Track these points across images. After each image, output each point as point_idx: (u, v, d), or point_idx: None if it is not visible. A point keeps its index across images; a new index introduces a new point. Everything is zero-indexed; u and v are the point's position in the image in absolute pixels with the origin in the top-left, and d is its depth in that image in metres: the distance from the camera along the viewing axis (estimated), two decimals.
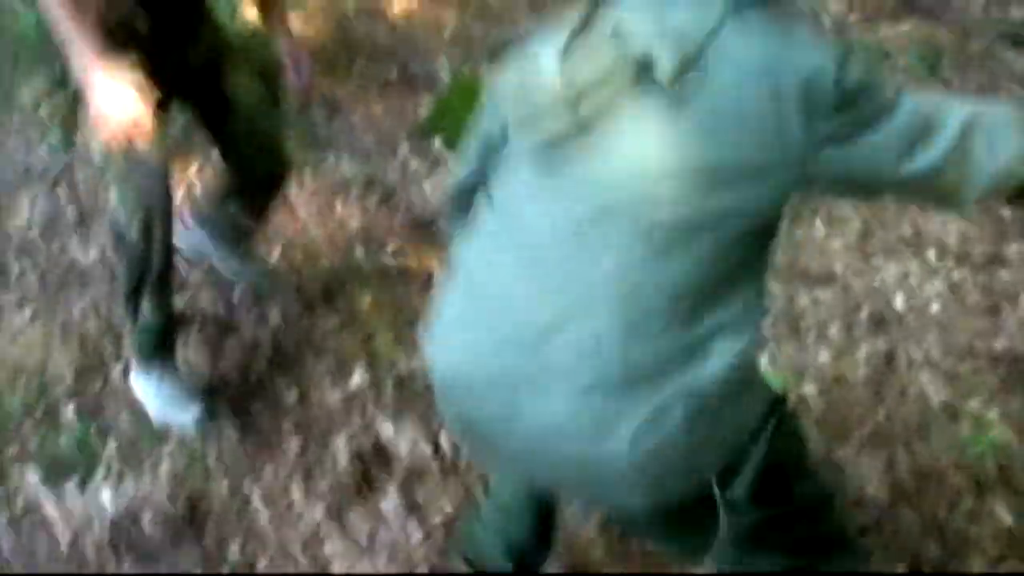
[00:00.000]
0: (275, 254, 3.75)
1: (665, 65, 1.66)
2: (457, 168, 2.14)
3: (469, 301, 1.85)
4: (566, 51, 1.74)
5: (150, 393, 3.12)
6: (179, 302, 3.41)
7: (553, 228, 1.76)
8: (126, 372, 3.25)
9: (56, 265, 3.75)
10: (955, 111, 1.72)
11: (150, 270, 2.95)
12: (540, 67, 1.76)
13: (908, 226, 3.70)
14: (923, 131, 1.68)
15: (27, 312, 3.55)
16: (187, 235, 3.48)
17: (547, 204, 1.77)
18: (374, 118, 4.71)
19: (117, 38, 2.65)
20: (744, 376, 1.77)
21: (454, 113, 4.54)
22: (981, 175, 1.71)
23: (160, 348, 3.11)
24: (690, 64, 1.65)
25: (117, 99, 2.53)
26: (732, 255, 1.71)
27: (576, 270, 1.73)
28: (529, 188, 1.81)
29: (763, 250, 1.78)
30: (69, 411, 3.16)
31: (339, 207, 4.07)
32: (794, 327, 3.32)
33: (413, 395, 3.16)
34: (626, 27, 1.71)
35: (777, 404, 1.89)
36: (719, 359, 1.70)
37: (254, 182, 3.24)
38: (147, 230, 2.87)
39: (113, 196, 2.89)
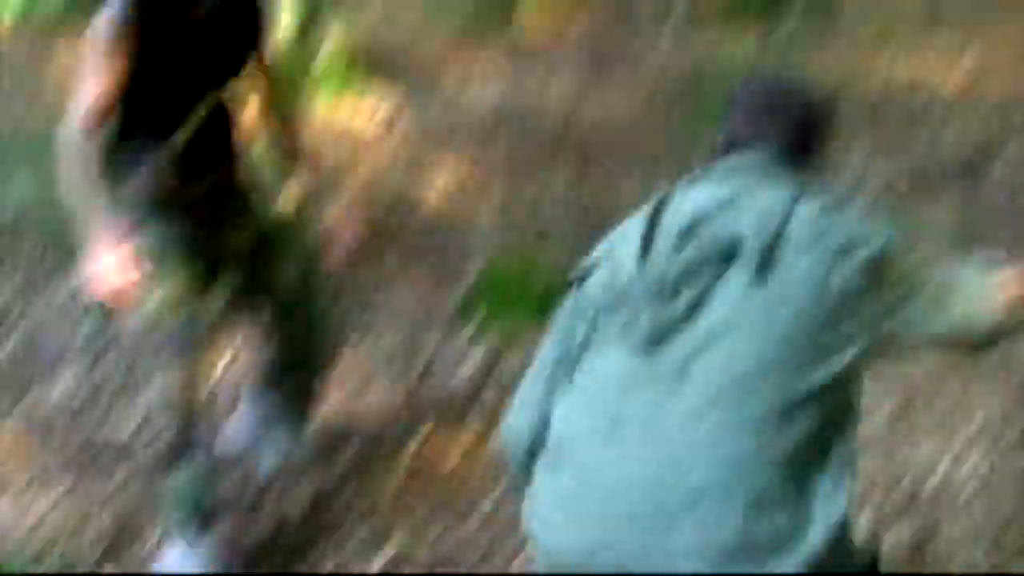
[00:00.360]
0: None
1: (753, 245, 1.76)
2: (519, 418, 2.11)
3: (581, 483, 1.87)
4: (648, 244, 1.86)
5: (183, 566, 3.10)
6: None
7: (663, 415, 1.81)
8: (156, 549, 3.27)
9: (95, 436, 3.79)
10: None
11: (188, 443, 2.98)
12: (626, 262, 1.88)
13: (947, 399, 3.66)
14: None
15: (68, 480, 3.58)
16: (236, 424, 3.55)
17: (653, 393, 1.83)
18: (415, 299, 4.79)
19: (167, 210, 2.81)
20: (845, 538, 1.81)
21: (492, 292, 4.63)
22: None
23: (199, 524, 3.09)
24: (776, 241, 1.76)
25: (108, 264, 2.61)
26: (830, 419, 1.78)
27: (695, 453, 1.77)
28: (634, 379, 1.86)
29: (851, 411, 1.85)
30: None
31: (375, 384, 4.11)
32: None
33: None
34: (704, 210, 1.83)
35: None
36: (823, 526, 1.74)
37: (298, 363, 3.30)
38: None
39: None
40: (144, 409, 3.95)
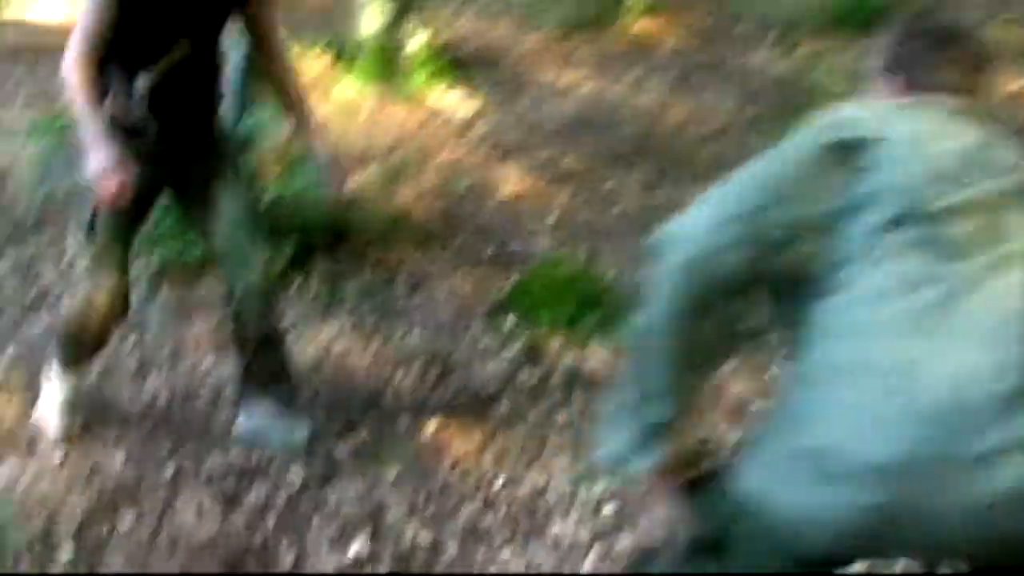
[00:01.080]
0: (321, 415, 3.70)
1: None
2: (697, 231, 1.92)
3: (889, 392, 1.77)
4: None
5: None
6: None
7: (968, 322, 1.78)
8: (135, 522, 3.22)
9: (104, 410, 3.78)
10: None
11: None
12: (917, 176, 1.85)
13: None
14: None
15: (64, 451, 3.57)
16: (244, 422, 3.59)
17: (957, 300, 1.79)
18: (457, 295, 4.70)
19: (129, 141, 3.12)
20: None
21: (533, 295, 4.51)
22: None
23: None
24: None
25: (108, 165, 2.93)
26: None
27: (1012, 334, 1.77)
28: (938, 288, 1.80)
29: None
30: (64, 553, 3.12)
31: (397, 377, 4.02)
32: None
33: (420, 568, 3.03)
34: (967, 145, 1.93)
35: None
36: None
37: (238, 299, 3.43)
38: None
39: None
40: (161, 385, 3.96)
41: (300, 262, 4.69)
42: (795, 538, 1.82)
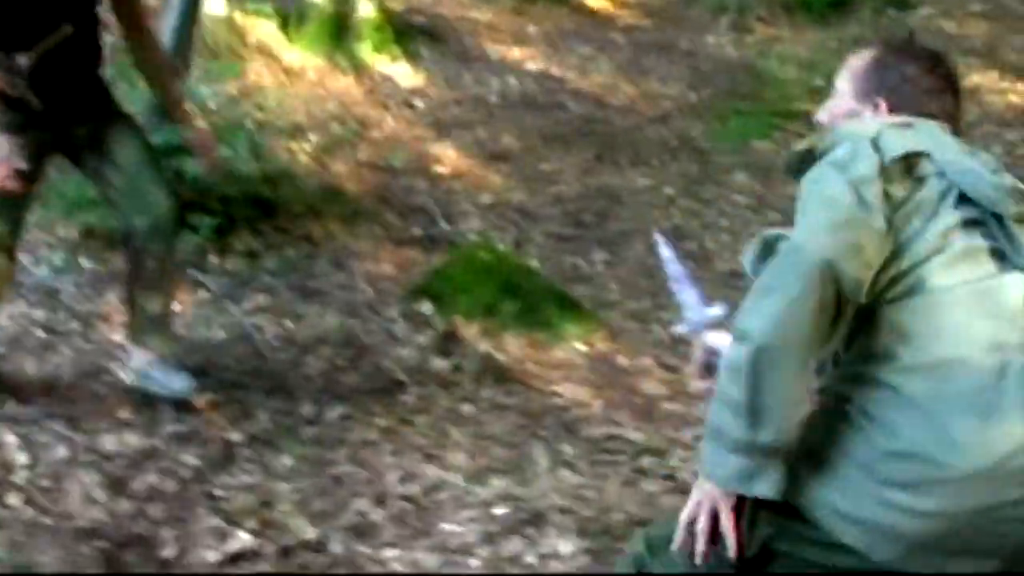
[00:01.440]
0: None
1: None
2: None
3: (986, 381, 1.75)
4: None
5: None
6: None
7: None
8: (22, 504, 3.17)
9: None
10: None
11: None
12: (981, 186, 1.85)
13: None
14: None
15: None
16: (129, 364, 3.61)
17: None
18: (379, 275, 4.65)
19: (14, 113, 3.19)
20: None
21: (453, 280, 4.46)
22: None
23: None
24: None
25: None
26: None
27: None
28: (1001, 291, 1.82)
29: None
30: None
31: (306, 360, 3.97)
32: None
33: (299, 567, 2.98)
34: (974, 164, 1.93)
35: None
36: None
37: (141, 236, 3.44)
38: None
39: None
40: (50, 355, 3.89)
41: (221, 236, 4.61)
42: (866, 550, 1.77)
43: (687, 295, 2.21)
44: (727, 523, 1.86)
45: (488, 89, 6.81)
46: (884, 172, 1.82)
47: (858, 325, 1.85)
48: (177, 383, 3.55)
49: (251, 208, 4.81)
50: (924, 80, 2.04)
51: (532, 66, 7.16)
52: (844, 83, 2.10)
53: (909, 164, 1.86)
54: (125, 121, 3.49)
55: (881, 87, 2.05)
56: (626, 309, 4.57)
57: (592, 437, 3.59)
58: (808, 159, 1.93)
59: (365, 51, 7.02)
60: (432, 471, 3.37)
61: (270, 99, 6.01)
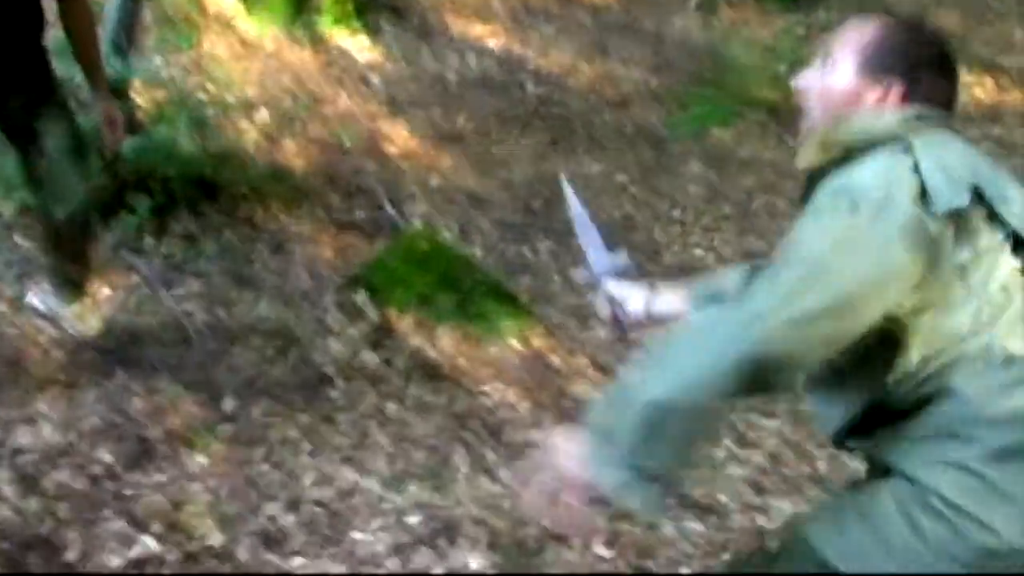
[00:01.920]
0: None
1: None
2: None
3: None
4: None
5: None
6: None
7: None
8: None
9: None
10: None
11: None
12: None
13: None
14: None
15: None
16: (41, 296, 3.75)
17: None
18: (317, 261, 4.58)
19: None
20: None
21: (390, 270, 4.39)
22: None
23: None
24: None
25: None
26: None
27: None
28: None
29: None
30: None
31: (234, 351, 3.91)
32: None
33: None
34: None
35: None
36: None
37: (59, 223, 3.46)
38: None
39: None
40: None
41: (159, 217, 4.53)
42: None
43: (591, 239, 2.17)
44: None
45: (447, 66, 6.71)
46: (925, 205, 1.66)
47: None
48: (54, 302, 3.68)
49: (193, 188, 4.71)
50: (938, 65, 1.87)
51: (493, 43, 7.05)
52: (846, 56, 1.88)
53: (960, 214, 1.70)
54: (56, 101, 3.43)
55: (895, 68, 1.84)
56: (566, 304, 4.52)
57: (515, 443, 3.54)
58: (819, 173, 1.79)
59: (324, 24, 6.90)
60: (349, 474, 3.32)
61: (223, 71, 5.91)
